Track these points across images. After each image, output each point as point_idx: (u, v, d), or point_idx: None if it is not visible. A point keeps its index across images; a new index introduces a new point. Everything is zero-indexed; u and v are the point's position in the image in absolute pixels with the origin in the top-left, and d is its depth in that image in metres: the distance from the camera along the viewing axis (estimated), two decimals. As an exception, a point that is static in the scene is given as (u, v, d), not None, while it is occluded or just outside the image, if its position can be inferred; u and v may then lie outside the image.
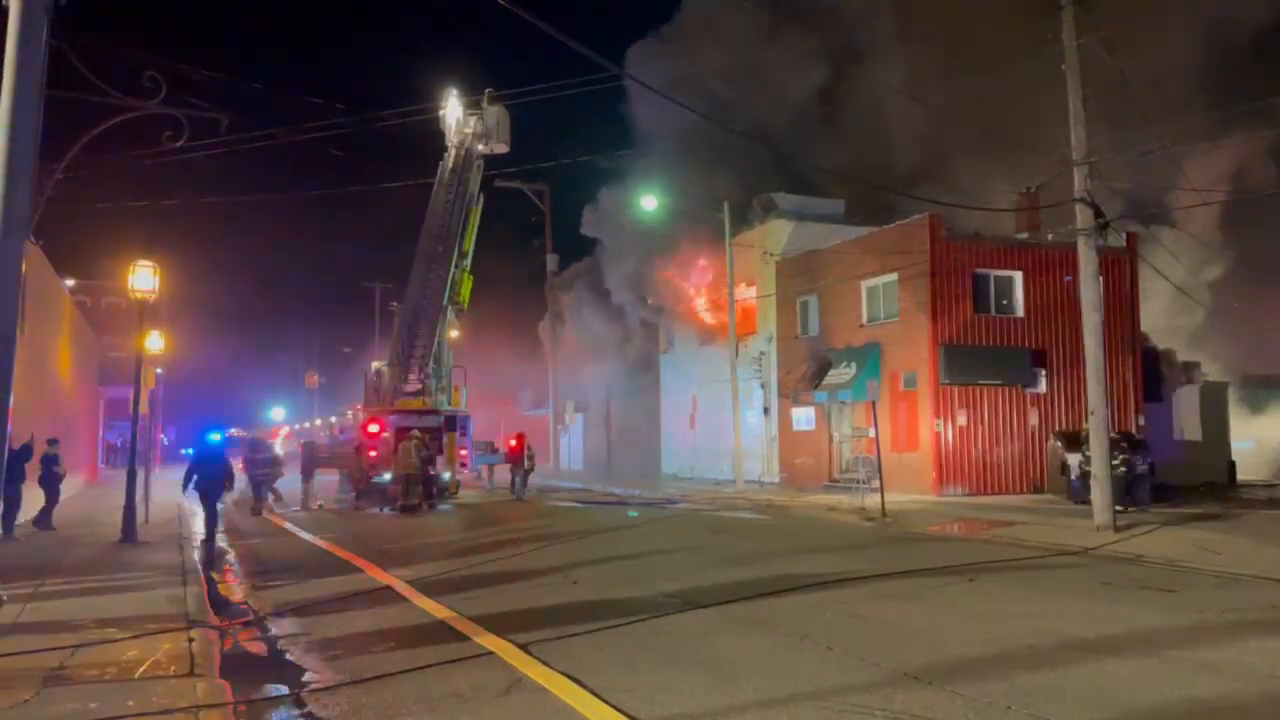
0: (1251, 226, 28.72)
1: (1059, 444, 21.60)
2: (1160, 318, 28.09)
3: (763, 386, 30.55)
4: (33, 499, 16.23)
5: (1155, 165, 19.57)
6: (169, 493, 25.75)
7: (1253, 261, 29.38)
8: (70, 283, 31.80)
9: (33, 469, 16.21)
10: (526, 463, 26.93)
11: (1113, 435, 17.08)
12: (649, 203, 29.37)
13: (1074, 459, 19.57)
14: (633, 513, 20.80)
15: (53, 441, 17.44)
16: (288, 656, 7.50)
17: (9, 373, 5.43)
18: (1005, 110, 24.72)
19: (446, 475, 25.02)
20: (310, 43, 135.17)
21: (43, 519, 16.59)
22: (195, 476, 15.14)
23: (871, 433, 19.83)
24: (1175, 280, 23.34)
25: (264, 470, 22.98)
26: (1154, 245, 24.72)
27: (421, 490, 22.65)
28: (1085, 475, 17.05)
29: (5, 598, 5.62)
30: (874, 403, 20.31)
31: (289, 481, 24.99)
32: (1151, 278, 23.87)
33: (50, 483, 17.01)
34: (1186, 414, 27.24)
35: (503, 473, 28.85)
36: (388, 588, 10.76)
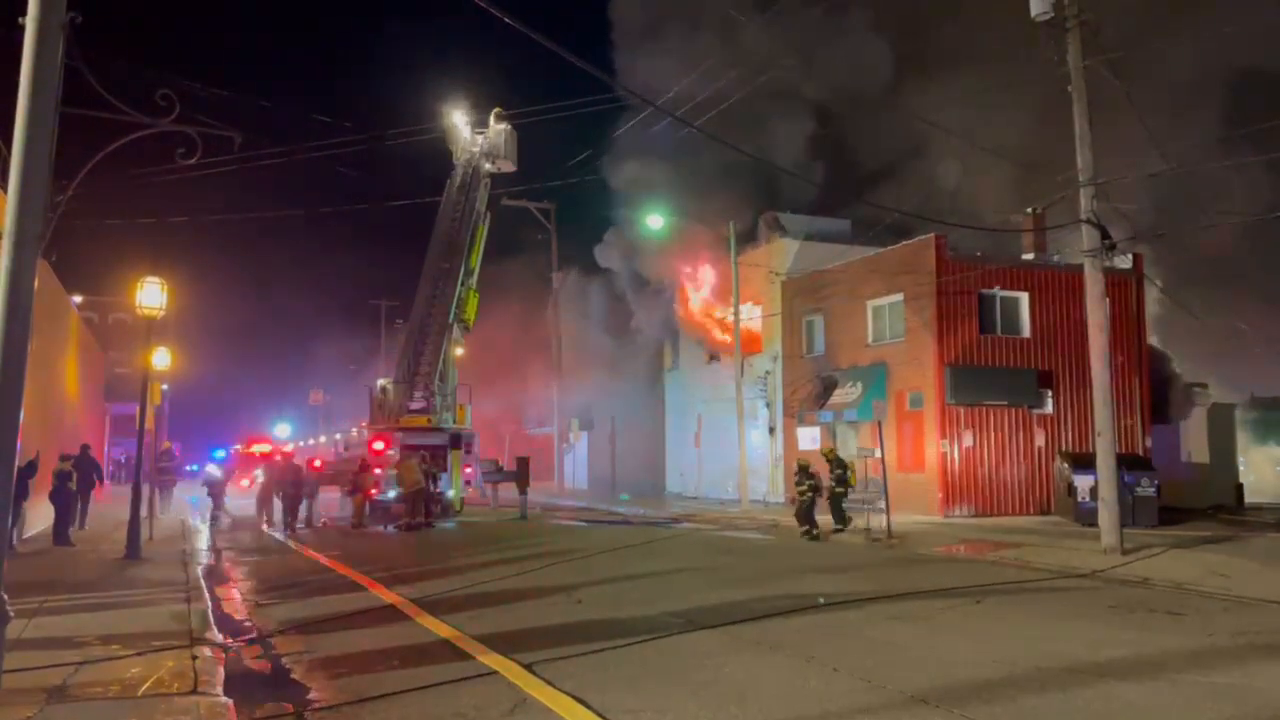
0: (1258, 248, 28.66)
1: (1065, 465, 21.51)
2: (1169, 341, 27.98)
3: (768, 406, 30.50)
4: (35, 516, 16.25)
5: (1165, 186, 19.54)
6: (174, 509, 25.77)
7: (1261, 284, 29.31)
8: (77, 299, 31.89)
9: (39, 485, 16.28)
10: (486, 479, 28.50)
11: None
12: (655, 221, 29.46)
13: (1081, 480, 19.47)
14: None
15: (66, 458, 17.93)
16: (292, 675, 7.47)
17: (20, 389, 5.45)
18: (1012, 130, 24.76)
19: (450, 493, 25.00)
20: (320, 61, 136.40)
21: (67, 533, 16.85)
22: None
23: (877, 453, 19.78)
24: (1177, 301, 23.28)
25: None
26: (1160, 266, 24.69)
27: (424, 508, 22.62)
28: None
29: (12, 615, 5.61)
30: (880, 423, 20.24)
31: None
32: (1162, 299, 23.82)
33: (71, 497, 17.26)
34: (1194, 436, 27.10)
35: (506, 490, 28.82)
36: (391, 606, 10.73)
